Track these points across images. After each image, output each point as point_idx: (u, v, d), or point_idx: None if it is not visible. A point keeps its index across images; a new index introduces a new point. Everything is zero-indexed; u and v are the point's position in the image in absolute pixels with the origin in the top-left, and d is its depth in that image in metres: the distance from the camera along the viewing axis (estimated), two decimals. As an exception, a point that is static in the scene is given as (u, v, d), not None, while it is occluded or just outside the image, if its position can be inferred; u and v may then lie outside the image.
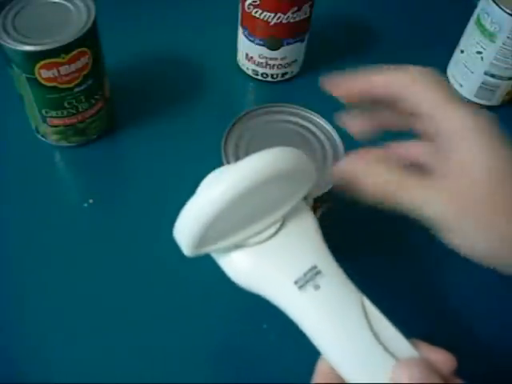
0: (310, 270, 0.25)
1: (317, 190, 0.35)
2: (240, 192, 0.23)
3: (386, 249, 0.47)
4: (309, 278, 0.25)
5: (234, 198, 0.23)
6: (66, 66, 0.43)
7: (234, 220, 0.24)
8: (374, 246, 0.47)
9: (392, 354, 0.25)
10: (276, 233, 0.26)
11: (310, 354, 0.41)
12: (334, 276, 0.26)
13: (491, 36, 0.51)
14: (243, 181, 0.23)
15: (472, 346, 0.42)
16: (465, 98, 0.58)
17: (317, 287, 0.25)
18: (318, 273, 0.25)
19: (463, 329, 0.43)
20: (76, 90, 0.46)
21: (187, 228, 0.25)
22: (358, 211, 0.49)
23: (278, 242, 0.26)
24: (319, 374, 0.28)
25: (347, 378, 0.25)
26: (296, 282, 0.25)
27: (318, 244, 0.26)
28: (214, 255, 0.27)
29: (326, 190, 0.35)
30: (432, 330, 0.43)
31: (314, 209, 0.36)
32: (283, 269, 0.25)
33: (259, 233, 0.25)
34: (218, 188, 0.23)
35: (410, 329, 0.43)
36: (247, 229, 0.25)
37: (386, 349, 0.25)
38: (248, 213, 0.24)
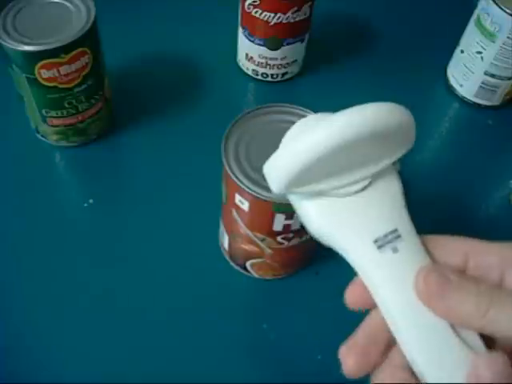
0: (391, 232, 0.25)
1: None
2: (348, 138, 0.23)
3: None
4: (389, 240, 0.25)
5: (341, 142, 0.23)
6: (66, 66, 0.43)
7: (330, 166, 0.24)
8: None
9: (466, 344, 0.24)
10: (363, 189, 0.26)
11: (310, 353, 0.41)
12: (413, 244, 0.25)
13: (491, 36, 0.51)
14: (353, 127, 0.23)
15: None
16: (465, 97, 0.58)
17: (395, 250, 0.25)
18: (398, 237, 0.25)
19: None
20: (76, 90, 0.46)
21: (287, 164, 0.24)
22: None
23: (363, 198, 0.26)
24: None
25: (415, 356, 0.24)
26: (375, 241, 0.25)
27: (402, 209, 0.26)
28: (295, 201, 0.26)
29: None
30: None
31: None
32: (365, 225, 0.25)
33: (347, 185, 0.25)
34: (325, 130, 0.23)
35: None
36: (338, 178, 0.25)
37: (458, 335, 0.24)
38: (343, 162, 0.24)
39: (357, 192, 0.26)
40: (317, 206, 0.26)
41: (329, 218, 0.25)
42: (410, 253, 0.25)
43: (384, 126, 0.23)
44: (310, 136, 0.23)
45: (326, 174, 0.25)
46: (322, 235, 0.26)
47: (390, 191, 0.26)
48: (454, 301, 0.23)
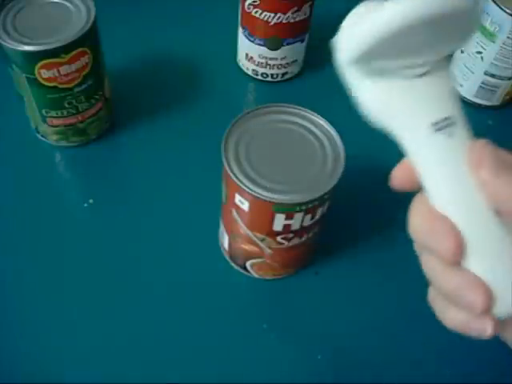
0: (447, 118, 0.26)
1: (317, 190, 0.35)
2: (427, 14, 0.23)
3: (387, 247, 0.47)
4: (446, 125, 0.26)
5: (420, 15, 0.23)
6: (66, 66, 0.43)
7: (400, 44, 0.24)
8: (375, 245, 0.47)
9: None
10: (423, 75, 0.26)
11: (310, 353, 0.41)
12: (466, 132, 0.26)
13: (491, 36, 0.51)
14: (432, 4, 0.23)
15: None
16: (465, 97, 0.58)
17: (451, 135, 0.26)
18: (454, 123, 0.26)
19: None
20: (76, 90, 0.46)
21: (366, 31, 0.24)
22: (358, 210, 0.49)
23: (423, 84, 0.26)
24: (417, 213, 0.26)
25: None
26: (433, 124, 0.26)
27: (456, 100, 0.27)
28: (356, 79, 0.27)
29: (325, 190, 0.35)
30: (433, 330, 0.43)
31: (314, 209, 0.36)
32: (424, 108, 0.26)
33: (412, 67, 0.26)
34: (404, 4, 0.23)
35: (411, 328, 0.44)
36: (405, 58, 0.26)
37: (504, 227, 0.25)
38: (411, 43, 0.25)
39: (418, 76, 0.26)
40: (380, 84, 0.26)
41: (389, 97, 0.26)
42: (464, 139, 0.26)
43: (461, 8, 0.24)
44: (391, 8, 0.24)
45: (395, 52, 0.25)
46: (379, 114, 0.26)
47: (446, 81, 0.27)
48: (506, 175, 0.23)
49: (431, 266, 0.26)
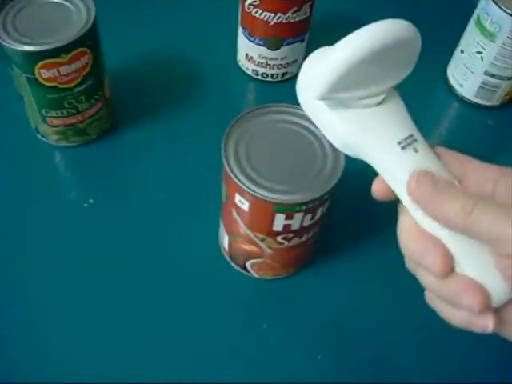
0: (409, 136, 0.29)
1: (317, 190, 0.35)
2: (378, 45, 0.26)
3: (387, 247, 0.47)
4: (409, 143, 0.29)
5: (373, 49, 0.26)
6: (66, 66, 0.43)
7: (360, 75, 0.27)
8: (375, 245, 0.47)
9: None
10: (380, 103, 0.30)
11: (310, 353, 0.41)
12: (427, 146, 0.29)
13: (491, 36, 0.51)
14: (382, 36, 0.27)
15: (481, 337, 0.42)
16: (465, 97, 0.58)
17: (415, 150, 0.29)
18: (415, 140, 0.29)
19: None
20: (76, 90, 0.46)
21: (329, 70, 0.27)
22: (357, 210, 0.49)
23: (381, 110, 0.30)
24: (403, 230, 0.29)
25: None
26: (399, 143, 0.28)
27: (411, 120, 0.30)
28: (325, 112, 0.30)
29: (326, 190, 0.35)
30: (433, 330, 0.43)
31: (314, 209, 0.36)
32: (388, 130, 0.29)
33: (370, 97, 0.29)
34: (360, 39, 0.27)
35: (411, 327, 0.44)
36: (363, 89, 0.29)
37: None
38: (368, 75, 0.28)
39: (377, 104, 0.29)
40: (345, 115, 0.29)
41: (356, 125, 0.29)
42: (427, 152, 0.29)
43: (407, 37, 0.28)
44: (345, 47, 0.27)
45: (354, 84, 0.28)
46: (349, 141, 0.29)
47: (400, 105, 0.30)
48: (442, 199, 0.26)
49: (426, 278, 0.28)
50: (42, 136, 0.50)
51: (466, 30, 0.56)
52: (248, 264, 0.43)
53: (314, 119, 0.31)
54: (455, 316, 0.27)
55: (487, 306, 0.26)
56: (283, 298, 0.44)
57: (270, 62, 0.55)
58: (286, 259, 0.42)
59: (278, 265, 0.43)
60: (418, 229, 0.28)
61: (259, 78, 0.58)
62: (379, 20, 0.28)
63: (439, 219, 0.26)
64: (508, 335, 0.28)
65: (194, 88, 0.57)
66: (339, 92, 0.28)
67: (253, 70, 0.57)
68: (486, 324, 0.26)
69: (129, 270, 0.44)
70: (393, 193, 0.29)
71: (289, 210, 0.35)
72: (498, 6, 0.50)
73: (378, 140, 0.29)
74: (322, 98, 0.28)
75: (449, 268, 0.26)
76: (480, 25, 0.52)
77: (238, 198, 0.36)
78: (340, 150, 0.30)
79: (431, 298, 0.29)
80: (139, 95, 0.56)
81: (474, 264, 0.27)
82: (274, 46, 0.54)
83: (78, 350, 0.40)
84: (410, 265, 0.29)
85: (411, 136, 0.29)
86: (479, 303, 0.25)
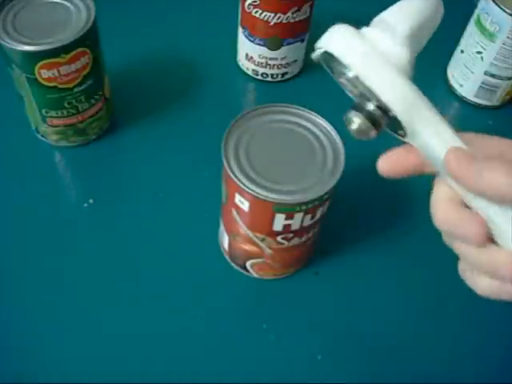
0: None
1: (317, 190, 0.35)
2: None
3: (387, 247, 0.47)
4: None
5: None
6: (66, 66, 0.43)
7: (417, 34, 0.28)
8: (375, 245, 0.47)
9: None
10: None
11: (310, 353, 0.41)
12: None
13: (491, 36, 0.51)
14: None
15: (480, 337, 0.42)
16: (465, 97, 0.58)
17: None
18: None
19: (465, 326, 0.43)
20: (76, 90, 0.46)
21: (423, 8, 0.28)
22: (357, 210, 0.49)
23: None
24: (438, 202, 0.28)
25: None
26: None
27: None
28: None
29: (325, 190, 0.35)
30: (433, 329, 0.43)
31: (314, 209, 0.36)
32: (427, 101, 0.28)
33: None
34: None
35: (411, 327, 0.44)
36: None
37: None
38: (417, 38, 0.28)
39: None
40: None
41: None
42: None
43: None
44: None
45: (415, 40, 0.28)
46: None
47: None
48: (485, 170, 0.25)
49: (463, 249, 0.28)
50: (42, 136, 0.50)
51: (465, 30, 0.56)
52: (248, 264, 0.43)
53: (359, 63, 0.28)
54: (486, 285, 0.28)
55: None
56: (283, 298, 0.44)
57: (270, 61, 0.55)
58: (285, 259, 0.42)
59: (278, 265, 0.43)
60: (454, 200, 0.28)
61: (259, 78, 0.58)
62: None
63: (482, 190, 0.26)
64: None
65: (194, 88, 0.57)
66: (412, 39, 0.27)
67: (253, 70, 0.57)
68: None
69: (129, 270, 0.44)
70: (405, 170, 0.29)
71: (289, 210, 0.35)
72: (497, 5, 0.50)
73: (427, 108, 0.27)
74: (410, 35, 0.27)
75: (486, 236, 0.27)
76: (480, 25, 0.52)
77: (238, 198, 0.36)
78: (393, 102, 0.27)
79: (463, 269, 0.29)
80: (139, 95, 0.56)
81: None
82: (274, 45, 0.54)
83: (79, 349, 0.40)
84: (445, 238, 0.29)
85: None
86: None
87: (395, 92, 0.26)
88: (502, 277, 0.27)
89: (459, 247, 0.28)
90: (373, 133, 0.28)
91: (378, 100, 0.26)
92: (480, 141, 0.28)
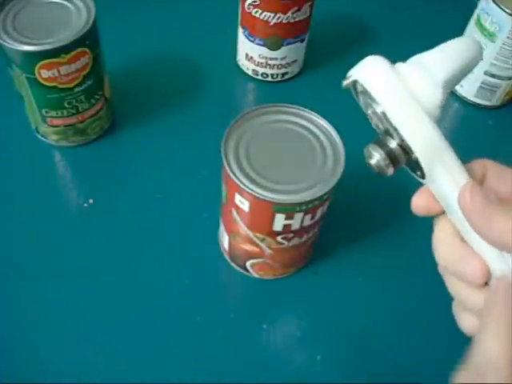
0: None
1: (317, 190, 0.35)
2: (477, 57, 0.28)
3: (387, 247, 0.47)
4: None
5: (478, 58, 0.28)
6: (66, 66, 0.43)
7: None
8: (374, 245, 0.47)
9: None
10: None
11: (310, 353, 0.41)
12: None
13: (491, 36, 0.51)
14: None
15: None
16: (465, 97, 0.58)
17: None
18: None
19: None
20: (76, 90, 0.46)
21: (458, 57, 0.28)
22: (357, 210, 0.49)
23: None
24: (441, 240, 0.29)
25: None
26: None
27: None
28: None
29: (325, 190, 0.35)
30: (434, 329, 0.43)
31: (314, 209, 0.36)
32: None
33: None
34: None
35: (411, 327, 0.44)
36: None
37: None
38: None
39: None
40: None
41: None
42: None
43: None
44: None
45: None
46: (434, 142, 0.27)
47: None
48: (496, 215, 0.25)
49: (458, 287, 0.28)
50: (42, 136, 0.50)
51: (465, 30, 0.56)
52: (248, 264, 0.43)
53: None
54: (474, 325, 0.28)
55: None
56: (283, 297, 0.44)
57: (270, 61, 0.55)
58: (286, 259, 0.42)
59: (278, 265, 0.43)
60: (457, 239, 0.28)
61: (259, 78, 0.58)
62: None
63: (489, 235, 0.25)
64: None
65: (193, 88, 0.57)
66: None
67: (253, 70, 0.57)
68: None
69: (128, 270, 0.44)
70: (435, 208, 0.28)
71: (289, 210, 0.36)
72: (497, 5, 0.50)
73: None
74: (445, 81, 0.27)
75: (487, 277, 0.26)
76: (480, 25, 0.52)
77: (238, 198, 0.36)
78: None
79: (458, 311, 0.29)
80: (139, 95, 0.56)
81: None
82: (274, 45, 0.54)
83: (79, 349, 0.40)
84: (441, 270, 0.30)
85: None
86: None
87: (420, 136, 0.26)
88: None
89: (453, 284, 0.29)
90: (390, 170, 0.27)
91: (402, 140, 0.26)
92: (496, 170, 0.28)
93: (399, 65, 0.27)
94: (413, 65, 0.27)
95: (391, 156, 0.27)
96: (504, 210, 0.25)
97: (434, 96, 0.26)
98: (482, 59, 0.29)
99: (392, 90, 0.26)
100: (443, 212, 0.28)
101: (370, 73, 0.26)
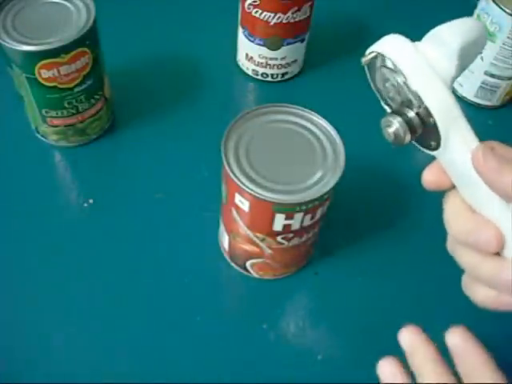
0: None
1: (317, 190, 0.35)
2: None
3: (387, 247, 0.47)
4: None
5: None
6: (66, 66, 0.43)
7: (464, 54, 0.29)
8: (375, 244, 0.47)
9: None
10: None
11: (310, 353, 0.41)
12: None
13: (491, 36, 0.51)
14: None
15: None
16: (465, 97, 0.58)
17: None
18: None
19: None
20: (76, 90, 0.46)
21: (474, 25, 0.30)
22: (358, 210, 0.49)
23: None
24: (453, 211, 0.29)
25: None
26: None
27: None
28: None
29: (326, 190, 0.35)
30: (434, 329, 0.43)
31: (314, 209, 0.36)
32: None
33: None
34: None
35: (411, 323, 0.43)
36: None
37: None
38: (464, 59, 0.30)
39: None
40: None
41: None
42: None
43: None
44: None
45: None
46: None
47: None
48: (507, 169, 0.26)
49: (471, 258, 0.29)
50: (42, 136, 0.50)
51: (465, 30, 0.56)
52: (248, 264, 0.43)
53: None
54: (483, 295, 0.29)
55: None
56: (283, 298, 0.44)
57: (270, 61, 0.55)
58: (286, 259, 0.42)
59: (278, 265, 0.43)
60: (469, 211, 0.28)
61: (259, 78, 0.58)
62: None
63: (500, 187, 0.26)
64: None
65: (193, 88, 0.57)
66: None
67: (253, 70, 0.57)
68: None
69: (128, 269, 0.44)
70: (445, 182, 0.29)
71: (289, 210, 0.36)
72: (497, 5, 0.50)
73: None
74: (460, 50, 0.28)
75: (502, 243, 0.27)
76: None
77: (238, 198, 0.36)
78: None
79: (468, 283, 0.30)
80: (139, 95, 0.56)
81: None
82: (274, 45, 0.54)
83: (79, 349, 0.40)
84: (450, 246, 0.30)
85: None
86: None
87: (439, 99, 0.28)
88: (500, 285, 0.27)
89: (464, 255, 0.29)
90: (408, 138, 0.29)
91: (420, 107, 0.28)
92: (503, 149, 0.29)
93: (416, 42, 0.29)
94: (428, 40, 0.29)
95: (409, 124, 0.28)
96: None
97: (448, 67, 0.28)
98: (485, 43, 0.31)
99: (413, 59, 0.28)
100: (453, 187, 0.29)
101: (393, 45, 0.29)
